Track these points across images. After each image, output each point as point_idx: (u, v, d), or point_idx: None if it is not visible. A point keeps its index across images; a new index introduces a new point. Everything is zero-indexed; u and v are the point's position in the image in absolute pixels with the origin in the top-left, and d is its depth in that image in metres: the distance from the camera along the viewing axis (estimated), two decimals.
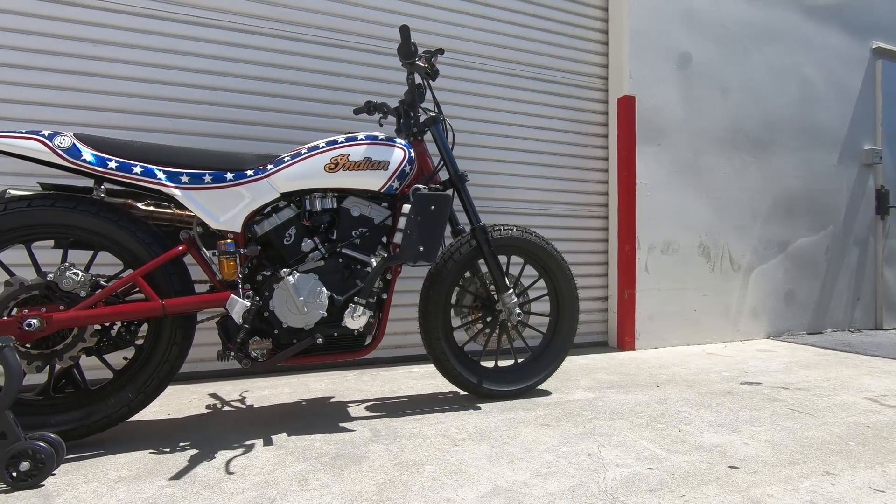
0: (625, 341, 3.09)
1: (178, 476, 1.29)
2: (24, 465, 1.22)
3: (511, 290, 1.96)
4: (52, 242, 1.98)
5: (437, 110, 1.94)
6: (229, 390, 2.15)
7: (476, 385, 1.94)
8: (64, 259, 1.49)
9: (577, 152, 3.17)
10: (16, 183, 2.04)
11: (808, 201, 3.74)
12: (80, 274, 1.43)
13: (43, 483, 1.24)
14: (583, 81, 3.19)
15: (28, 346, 1.39)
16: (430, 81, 1.89)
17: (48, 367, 1.44)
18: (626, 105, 3.09)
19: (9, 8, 2.05)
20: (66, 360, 1.43)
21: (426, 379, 2.33)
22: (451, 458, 1.40)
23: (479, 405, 1.91)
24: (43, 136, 1.41)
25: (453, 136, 1.97)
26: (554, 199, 3.10)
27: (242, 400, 2.00)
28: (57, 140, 1.41)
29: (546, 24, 3.07)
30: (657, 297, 3.16)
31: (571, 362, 2.71)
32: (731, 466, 1.36)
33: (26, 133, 1.41)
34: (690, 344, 3.27)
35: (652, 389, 2.16)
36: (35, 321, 1.34)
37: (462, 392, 2.09)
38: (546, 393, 2.09)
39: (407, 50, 1.76)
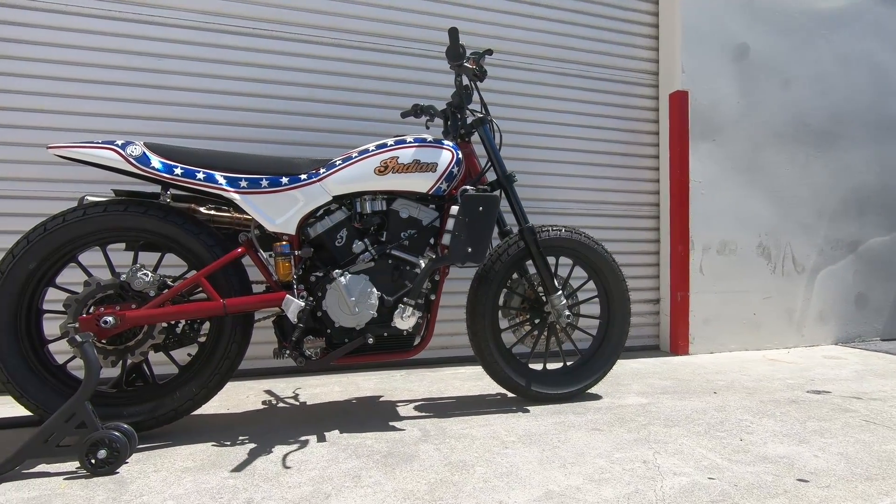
0: (678, 345, 2.97)
1: (239, 468, 1.35)
2: (102, 453, 1.30)
3: (560, 292, 1.93)
4: (123, 245, 2.12)
5: (484, 111, 1.94)
6: (283, 387, 2.22)
7: (524, 387, 1.92)
8: (135, 261, 1.59)
9: (626, 150, 3.09)
10: (86, 190, 2.20)
11: (882, 198, 3.48)
12: (150, 275, 1.52)
13: (118, 470, 1.33)
14: (632, 77, 3.10)
15: (104, 341, 1.49)
16: (478, 83, 1.89)
17: (121, 361, 1.54)
18: (679, 101, 2.98)
19: (84, 27, 2.20)
20: (138, 356, 1.53)
21: (473, 380, 2.33)
22: (501, 461, 1.40)
23: (528, 408, 1.89)
24: (116, 145, 1.51)
25: (500, 136, 1.96)
26: (602, 198, 3.03)
27: (296, 397, 2.07)
28: (129, 149, 1.51)
29: (593, 20, 3.01)
30: (713, 300, 3.03)
31: (621, 366, 2.64)
32: (799, 479, 1.29)
33: (102, 143, 1.51)
34: (749, 349, 3.12)
35: (709, 396, 2.07)
36: (110, 318, 1.43)
37: (510, 394, 2.07)
38: (596, 397, 2.04)
39: (455, 52, 1.77)
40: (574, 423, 1.71)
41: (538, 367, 2.03)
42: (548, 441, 1.55)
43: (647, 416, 1.79)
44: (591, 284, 2.80)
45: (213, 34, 2.36)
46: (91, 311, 1.48)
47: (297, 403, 1.97)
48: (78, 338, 1.33)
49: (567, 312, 1.93)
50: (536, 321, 1.99)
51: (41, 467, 1.34)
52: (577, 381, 2.00)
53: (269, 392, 2.14)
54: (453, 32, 1.76)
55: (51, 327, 2.03)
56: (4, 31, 2.12)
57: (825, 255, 3.32)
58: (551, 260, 1.96)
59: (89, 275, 1.54)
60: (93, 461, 1.30)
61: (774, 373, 2.50)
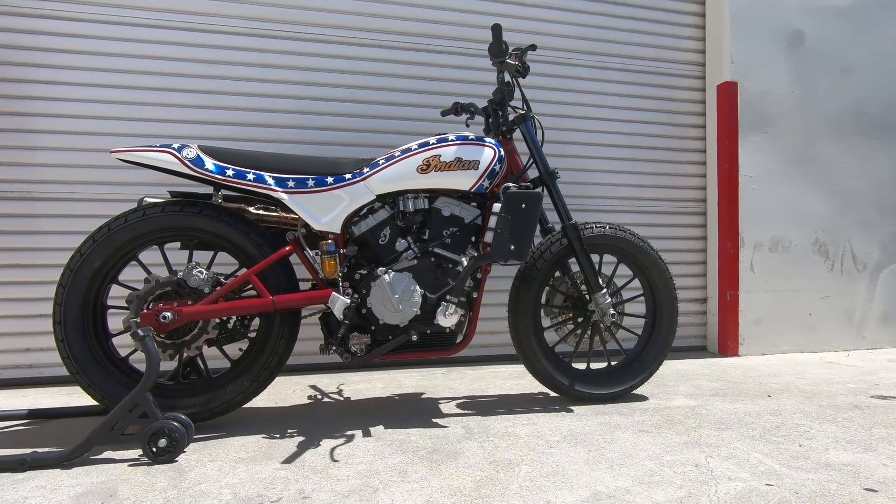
0: (727, 346, 2.87)
1: (289, 460, 1.38)
2: (162, 442, 1.36)
3: (605, 290, 1.90)
4: (178, 244, 2.21)
5: (525, 108, 1.92)
6: (327, 383, 2.27)
7: (568, 387, 1.89)
8: (190, 259, 1.66)
9: (670, 145, 3.00)
10: (143, 192, 2.31)
11: None
12: (204, 272, 1.58)
13: (176, 459, 1.39)
14: (676, 69, 3.00)
15: (162, 336, 1.57)
16: (520, 79, 1.87)
17: (177, 355, 1.61)
18: (727, 92, 2.87)
19: (139, 38, 2.31)
20: (193, 350, 1.59)
21: (514, 379, 2.31)
22: (546, 460, 1.38)
23: (571, 407, 1.87)
24: (173, 148, 1.58)
25: (542, 133, 1.94)
26: (646, 194, 2.95)
27: (340, 392, 2.11)
28: (184, 152, 1.58)
29: (634, 11, 2.94)
30: (765, 300, 2.90)
31: (667, 367, 2.57)
32: (867, 489, 1.22)
33: (159, 147, 1.58)
34: (805, 351, 2.97)
35: (762, 399, 1.99)
36: (169, 314, 1.50)
37: (552, 393, 2.05)
38: (642, 398, 1.99)
39: (498, 48, 1.76)
40: (620, 424, 1.68)
41: (581, 366, 1.99)
42: (594, 441, 1.52)
43: (697, 419, 1.74)
44: (636, 283, 2.73)
45: (258, 39, 2.44)
46: (151, 306, 1.56)
47: (342, 399, 2.01)
48: (140, 332, 1.40)
49: (612, 311, 1.89)
50: (579, 320, 1.96)
51: (107, 454, 1.42)
52: (621, 381, 1.96)
53: (313, 387, 2.19)
54: (496, 29, 1.75)
55: (113, 322, 2.15)
56: (70, 43, 2.25)
57: (889, 253, 3.12)
58: (595, 258, 1.93)
59: (148, 272, 1.62)
60: (154, 449, 1.36)
61: (833, 376, 2.37)
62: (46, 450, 1.40)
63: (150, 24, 2.32)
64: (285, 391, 2.12)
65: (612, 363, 2.03)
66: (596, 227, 1.93)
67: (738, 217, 2.87)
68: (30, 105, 2.22)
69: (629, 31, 2.93)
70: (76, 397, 2.01)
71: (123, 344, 2.08)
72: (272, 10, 2.45)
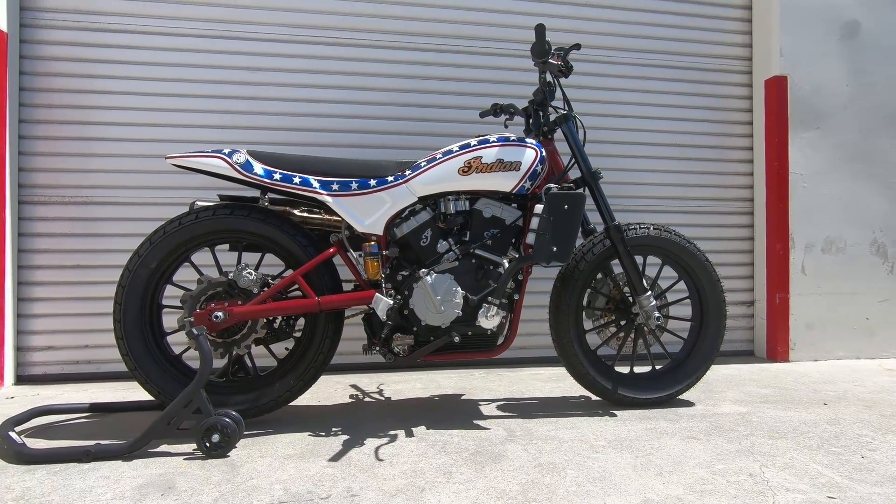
0: (776, 351, 2.75)
1: (335, 458, 1.41)
2: (215, 437, 1.41)
3: (649, 293, 1.85)
4: (227, 246, 2.28)
5: (567, 108, 1.90)
6: (367, 382, 2.30)
7: (610, 391, 1.86)
8: (239, 261, 1.71)
9: (716, 143, 2.90)
10: (188, 195, 2.39)
11: None
12: (253, 273, 1.63)
13: (228, 454, 1.44)
14: (721, 65, 2.91)
15: (213, 334, 1.62)
16: (563, 79, 1.85)
17: (227, 353, 1.66)
18: (776, 87, 2.76)
19: (187, 47, 2.41)
20: (243, 349, 1.65)
21: (554, 381, 2.29)
22: (592, 465, 1.36)
23: (615, 412, 1.83)
24: (223, 153, 1.63)
25: (584, 133, 1.91)
26: (691, 194, 2.87)
27: (380, 392, 2.13)
28: (234, 157, 1.63)
29: (676, 6, 2.86)
30: (817, 303, 2.78)
31: (713, 372, 2.49)
32: None
33: (211, 152, 1.64)
34: (861, 357, 2.83)
35: (818, 407, 1.90)
36: (220, 314, 1.56)
37: (594, 397, 2.02)
38: (688, 404, 1.93)
39: (540, 48, 1.74)
40: (667, 430, 1.64)
41: (624, 370, 1.96)
42: (640, 447, 1.49)
43: (749, 427, 1.68)
44: (681, 285, 2.65)
45: (299, 46, 2.50)
46: (203, 306, 1.61)
47: (382, 398, 2.04)
48: (194, 331, 1.46)
49: (657, 314, 1.85)
50: (622, 322, 1.93)
51: (163, 447, 1.48)
52: (666, 386, 1.91)
53: (354, 386, 2.23)
54: (540, 29, 1.74)
55: (167, 321, 2.24)
56: (122, 55, 2.36)
57: None
58: (638, 259, 1.89)
59: (201, 273, 1.68)
60: (207, 444, 1.41)
61: (895, 384, 2.25)
62: (108, 442, 1.47)
63: (196, 34, 2.41)
64: (327, 390, 2.16)
65: (657, 367, 1.98)
66: (640, 227, 1.89)
67: (789, 217, 2.76)
68: (86, 114, 2.34)
69: (671, 27, 2.85)
70: (132, 392, 2.11)
71: (177, 342, 2.16)
72: (312, 16, 2.50)
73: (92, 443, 1.45)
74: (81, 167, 2.34)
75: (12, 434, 1.43)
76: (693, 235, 2.84)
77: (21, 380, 2.29)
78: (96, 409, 1.77)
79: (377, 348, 1.70)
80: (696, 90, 2.88)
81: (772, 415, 1.81)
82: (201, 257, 1.96)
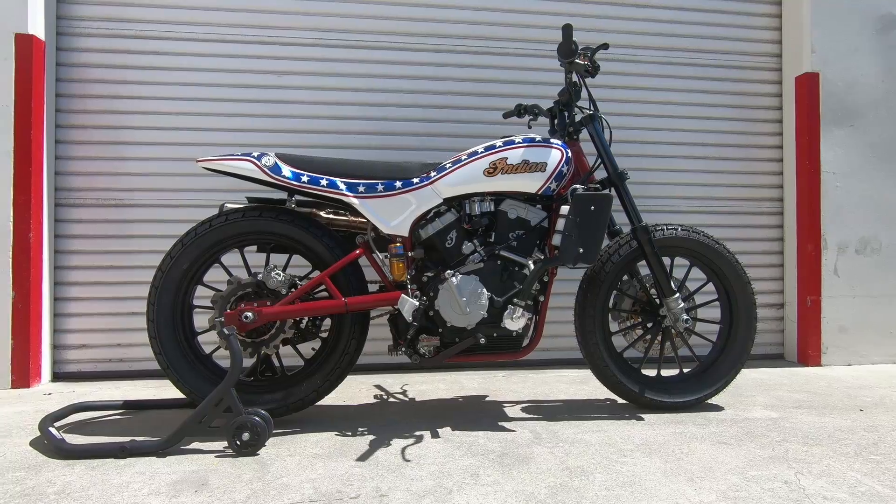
0: (807, 355, 2.68)
1: (363, 458, 1.42)
2: (246, 436, 1.44)
3: (677, 295, 1.83)
4: (254, 247, 2.32)
5: (593, 107, 1.88)
6: (390, 383, 2.31)
7: (637, 394, 1.83)
8: (267, 262, 1.74)
9: (744, 141, 2.84)
10: (217, 197, 2.44)
11: None
12: (282, 274, 1.66)
13: (258, 452, 1.46)
14: (749, 62, 2.85)
15: (243, 334, 1.65)
16: (589, 78, 1.84)
17: (256, 353, 1.69)
18: (807, 84, 2.69)
19: (216, 52, 2.45)
20: (271, 349, 1.67)
21: (578, 384, 2.27)
22: (621, 469, 1.35)
23: (642, 416, 1.81)
24: (253, 156, 1.66)
25: (610, 133, 1.89)
26: (717, 194, 2.81)
27: (404, 392, 2.14)
28: (263, 160, 1.66)
29: (702, 2, 2.81)
30: (851, 306, 2.70)
31: (742, 376, 2.43)
32: None
33: (240, 155, 1.67)
34: None
35: (854, 413, 1.85)
36: (250, 314, 1.58)
37: (620, 400, 1.99)
38: (717, 408, 1.90)
39: (567, 48, 1.73)
40: (696, 435, 1.61)
41: (651, 373, 1.93)
42: (669, 452, 1.47)
43: (781, 432, 1.64)
44: (709, 287, 2.61)
45: (324, 49, 2.53)
46: (233, 307, 1.64)
47: (406, 399, 2.05)
48: (225, 331, 1.49)
49: (685, 316, 1.82)
50: (649, 325, 1.90)
51: (195, 445, 1.51)
52: (695, 389, 1.88)
53: (378, 387, 2.24)
54: (567, 29, 1.72)
55: (197, 321, 2.29)
56: (154, 60, 2.42)
57: None
58: (666, 261, 1.86)
59: (230, 274, 1.71)
60: (238, 442, 1.44)
61: None
62: (143, 438, 1.50)
63: (223, 39, 2.46)
64: (351, 390, 2.18)
65: (685, 370, 1.95)
66: (667, 228, 1.86)
67: (820, 217, 2.69)
68: (119, 119, 2.41)
69: (697, 24, 2.81)
70: (162, 390, 2.16)
71: (206, 341, 2.21)
72: (335, 20, 2.53)
73: (127, 439, 1.49)
74: (115, 171, 2.40)
75: (52, 429, 1.48)
76: (721, 236, 2.79)
77: (57, 377, 2.37)
78: (129, 406, 1.82)
79: (403, 349, 1.71)
80: (724, 88, 2.83)
81: (805, 420, 1.76)
82: (230, 258, 2.00)
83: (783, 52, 2.85)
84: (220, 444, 1.51)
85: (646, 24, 2.76)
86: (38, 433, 1.57)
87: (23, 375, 2.19)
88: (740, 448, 1.50)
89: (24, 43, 2.19)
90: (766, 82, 2.87)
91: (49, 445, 1.45)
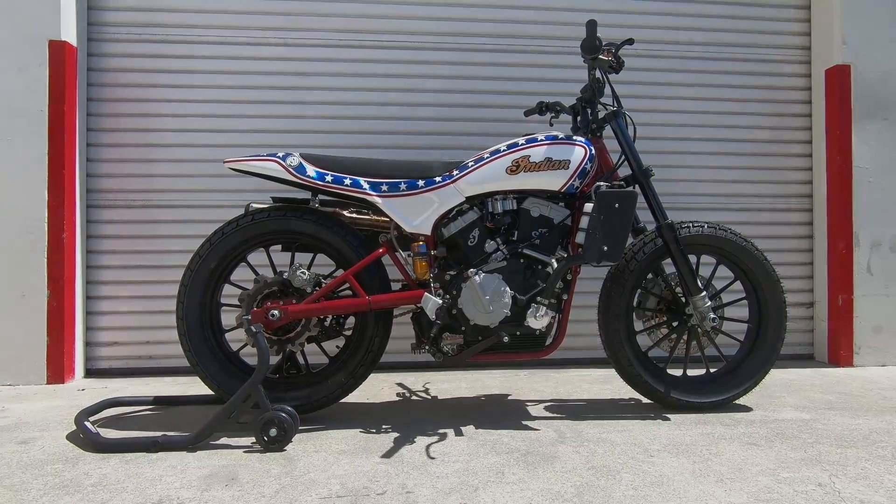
0: (839, 355, 2.61)
1: (388, 455, 1.43)
2: (273, 432, 1.46)
3: (704, 293, 1.79)
4: (279, 246, 2.36)
5: (616, 104, 1.86)
6: (412, 381, 2.32)
7: (663, 394, 1.81)
8: (292, 261, 1.77)
9: (772, 137, 2.78)
10: (242, 197, 2.48)
11: None
12: (307, 273, 1.68)
13: (285, 448, 1.48)
14: (777, 55, 2.78)
15: (269, 332, 1.67)
16: (613, 74, 1.82)
17: (282, 351, 1.71)
18: (838, 76, 2.62)
19: (240, 55, 2.50)
20: (297, 346, 1.69)
21: (601, 383, 2.25)
22: (648, 469, 1.33)
23: (668, 416, 1.78)
24: (278, 157, 1.69)
25: (634, 129, 1.87)
26: (746, 191, 2.76)
27: (426, 391, 2.15)
28: (288, 160, 1.68)
29: None
30: (885, 305, 2.62)
31: (770, 377, 2.38)
32: None
33: (266, 156, 1.69)
34: None
35: (889, 415, 1.79)
36: (276, 312, 1.61)
37: (645, 400, 1.97)
38: (746, 409, 1.86)
39: (591, 45, 1.72)
40: (724, 436, 1.58)
41: (676, 372, 1.90)
42: (697, 452, 1.44)
43: (813, 434, 1.60)
44: (737, 285, 2.56)
45: (347, 50, 2.55)
46: (260, 305, 1.67)
47: (429, 397, 2.05)
48: (253, 328, 1.51)
49: (712, 315, 1.79)
50: (674, 324, 1.87)
51: (223, 440, 1.54)
52: (722, 390, 1.84)
53: (401, 385, 2.25)
54: (591, 25, 1.71)
55: (224, 319, 2.34)
56: (182, 64, 2.48)
57: None
58: (692, 259, 1.83)
59: (256, 273, 1.74)
60: (266, 438, 1.46)
61: None
62: (174, 433, 1.54)
63: (248, 41, 2.50)
64: (374, 388, 2.19)
65: (712, 370, 1.91)
66: (693, 226, 1.83)
67: (852, 213, 2.61)
68: (149, 122, 2.47)
69: (723, 17, 2.75)
70: (191, 387, 2.20)
71: (234, 339, 2.25)
72: (358, 21, 2.55)
73: (158, 434, 1.53)
74: (145, 172, 2.46)
75: (87, 424, 1.53)
76: (749, 233, 2.73)
77: (89, 373, 2.44)
78: (159, 401, 1.86)
79: (426, 347, 1.71)
80: (751, 82, 2.77)
81: (838, 422, 1.72)
82: (257, 258, 2.04)
83: (812, 45, 2.78)
84: (248, 440, 1.54)
85: (669, 18, 2.71)
86: (74, 427, 1.62)
87: (57, 371, 2.26)
88: (771, 449, 1.47)
89: (57, 49, 2.26)
90: (794, 76, 2.80)
91: (85, 439, 1.49)
